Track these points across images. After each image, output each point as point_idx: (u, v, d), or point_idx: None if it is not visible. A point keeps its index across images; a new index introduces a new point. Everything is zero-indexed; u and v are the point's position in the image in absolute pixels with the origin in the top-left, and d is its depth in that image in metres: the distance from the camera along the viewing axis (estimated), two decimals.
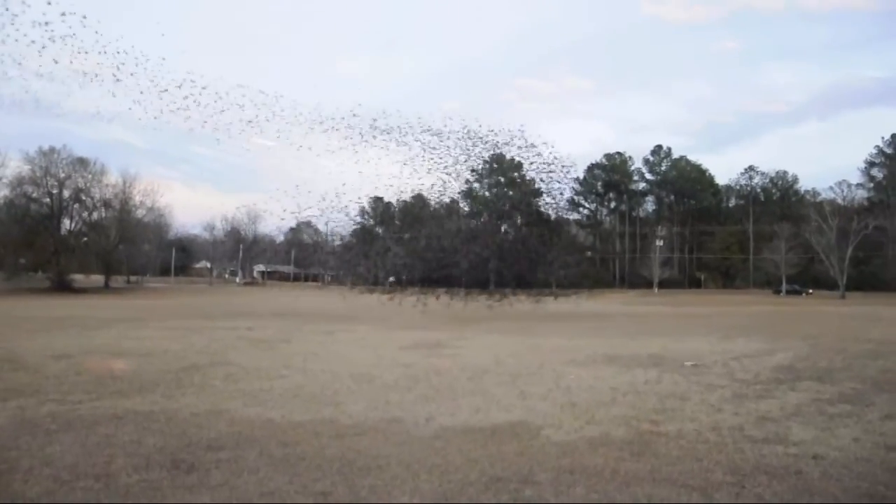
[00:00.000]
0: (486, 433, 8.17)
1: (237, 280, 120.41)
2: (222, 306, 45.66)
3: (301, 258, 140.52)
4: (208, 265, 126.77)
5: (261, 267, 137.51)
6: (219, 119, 32.56)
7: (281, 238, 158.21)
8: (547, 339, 22.77)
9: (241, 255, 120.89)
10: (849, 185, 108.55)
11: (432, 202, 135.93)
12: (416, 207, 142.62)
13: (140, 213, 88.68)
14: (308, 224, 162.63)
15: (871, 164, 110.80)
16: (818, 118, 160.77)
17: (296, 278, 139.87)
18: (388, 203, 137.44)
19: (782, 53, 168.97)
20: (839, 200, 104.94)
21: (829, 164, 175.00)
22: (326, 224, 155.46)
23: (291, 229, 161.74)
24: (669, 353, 17.39)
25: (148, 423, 8.40)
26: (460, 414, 9.36)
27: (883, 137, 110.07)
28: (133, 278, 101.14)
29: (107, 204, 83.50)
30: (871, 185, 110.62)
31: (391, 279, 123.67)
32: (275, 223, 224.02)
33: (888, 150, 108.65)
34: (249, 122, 33.98)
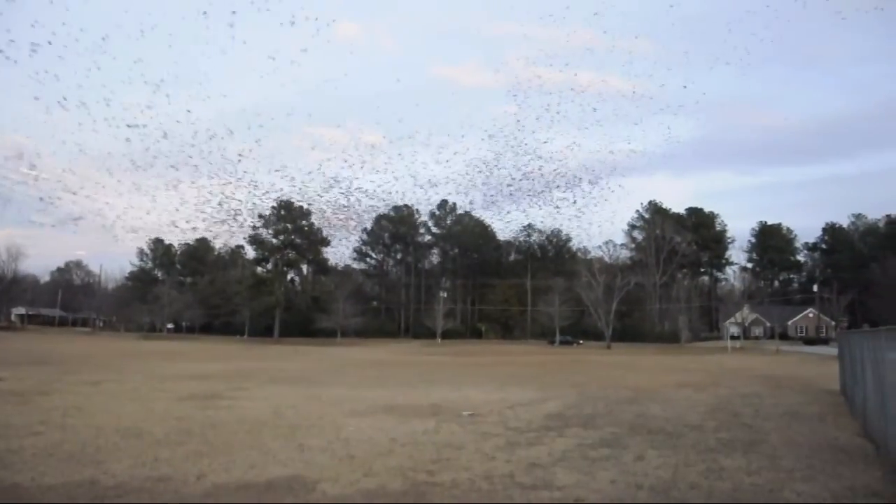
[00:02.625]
0: (261, 489, 7.96)
1: None
2: None
3: (69, 301, 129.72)
4: None
5: (21, 310, 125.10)
6: None
7: (46, 278, 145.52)
8: (328, 388, 22.64)
9: None
10: (614, 245, 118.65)
11: (217, 247, 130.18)
12: (200, 251, 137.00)
13: None
14: (79, 264, 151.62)
15: (632, 227, 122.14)
16: (588, 183, 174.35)
17: (62, 322, 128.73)
18: (170, 245, 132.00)
19: (559, 121, 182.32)
20: (606, 259, 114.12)
21: (597, 225, 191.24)
22: (100, 265, 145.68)
23: (59, 269, 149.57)
24: (448, 403, 17.87)
25: None
26: (235, 470, 9.03)
27: (642, 203, 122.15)
28: None
29: None
30: (633, 245, 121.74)
31: (170, 325, 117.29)
32: (40, 261, 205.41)
33: (647, 215, 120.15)
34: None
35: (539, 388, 23.41)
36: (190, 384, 23.03)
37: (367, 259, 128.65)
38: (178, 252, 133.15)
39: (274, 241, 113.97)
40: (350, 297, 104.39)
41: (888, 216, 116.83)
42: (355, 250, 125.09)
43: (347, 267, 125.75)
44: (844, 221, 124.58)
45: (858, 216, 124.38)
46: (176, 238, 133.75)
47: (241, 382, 24.41)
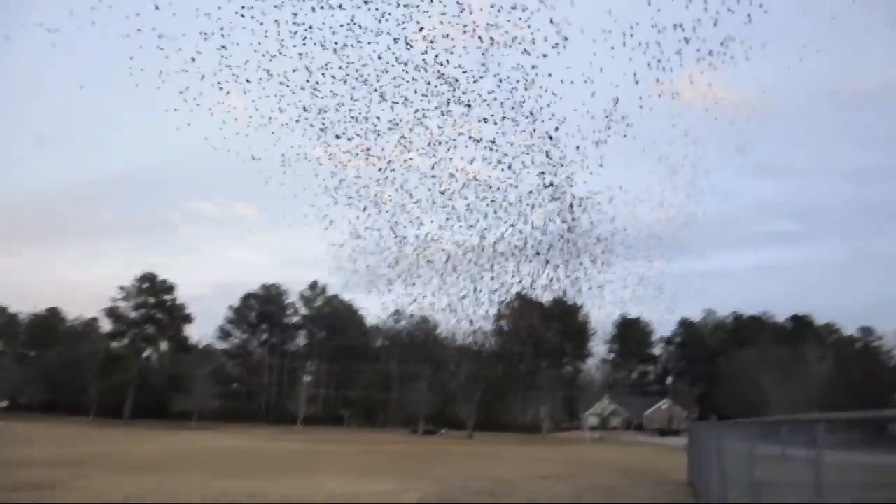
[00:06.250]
0: None
1: None
2: None
3: None
4: None
5: None
6: None
7: None
8: (173, 477, 21.25)
9: None
10: (483, 333, 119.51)
11: (69, 318, 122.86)
12: (51, 322, 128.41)
13: None
14: None
15: (499, 316, 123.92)
16: (453, 269, 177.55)
17: None
18: (14, 314, 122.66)
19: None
20: (474, 347, 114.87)
21: (466, 313, 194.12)
22: None
23: None
24: (299, 495, 17.14)
25: None
26: None
27: (509, 293, 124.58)
28: None
29: None
30: (499, 334, 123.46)
31: (3, 403, 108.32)
32: None
33: (515, 304, 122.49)
34: None
35: (398, 479, 22.90)
36: (19, 472, 21.04)
37: (231, 338, 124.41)
38: (25, 322, 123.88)
39: (133, 314, 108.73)
40: (210, 377, 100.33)
41: (735, 312, 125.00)
42: (220, 328, 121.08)
43: (209, 346, 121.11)
44: (697, 317, 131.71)
45: (709, 312, 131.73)
46: (23, 307, 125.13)
47: (80, 470, 22.56)
